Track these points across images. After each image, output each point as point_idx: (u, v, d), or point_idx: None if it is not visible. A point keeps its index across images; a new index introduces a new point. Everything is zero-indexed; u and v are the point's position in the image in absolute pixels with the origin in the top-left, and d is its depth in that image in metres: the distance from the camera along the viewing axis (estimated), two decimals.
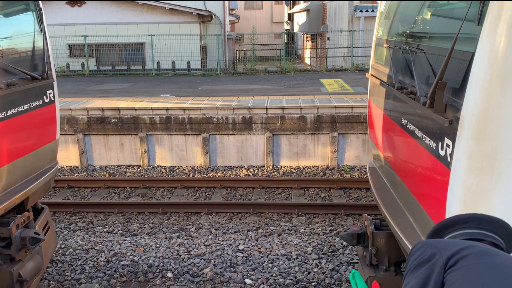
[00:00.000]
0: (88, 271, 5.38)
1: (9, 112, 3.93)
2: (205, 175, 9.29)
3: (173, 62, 17.79)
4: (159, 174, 9.44)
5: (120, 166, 9.94)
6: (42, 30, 4.53)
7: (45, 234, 4.67)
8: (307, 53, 29.20)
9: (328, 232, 6.55)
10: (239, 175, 9.27)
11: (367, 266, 4.05)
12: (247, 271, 5.31)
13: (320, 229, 6.66)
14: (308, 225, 6.89)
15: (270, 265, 5.43)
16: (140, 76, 16.84)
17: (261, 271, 5.29)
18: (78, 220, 7.30)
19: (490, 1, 2.17)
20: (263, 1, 40.66)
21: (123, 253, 5.80)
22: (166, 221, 7.16)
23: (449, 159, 2.47)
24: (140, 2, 18.38)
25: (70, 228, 6.97)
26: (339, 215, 7.20)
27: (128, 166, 9.93)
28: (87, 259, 5.68)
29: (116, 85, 14.04)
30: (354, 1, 18.57)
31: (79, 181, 8.85)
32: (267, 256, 5.66)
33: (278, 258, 5.59)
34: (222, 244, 6.03)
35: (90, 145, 9.98)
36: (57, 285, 5.11)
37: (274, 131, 9.56)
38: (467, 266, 1.17)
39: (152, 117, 9.72)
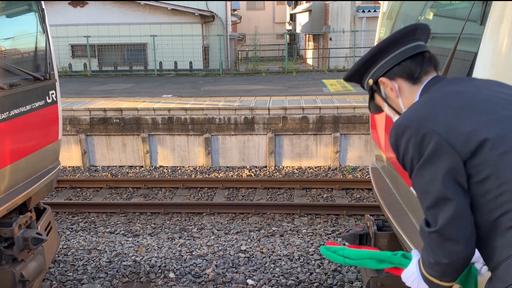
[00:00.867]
0: (90, 271, 5.38)
1: (12, 113, 3.93)
2: (207, 176, 9.29)
3: (175, 63, 17.81)
4: (161, 174, 9.45)
5: (122, 166, 9.95)
6: (45, 30, 4.54)
7: (47, 235, 4.67)
8: (309, 54, 29.20)
9: (330, 232, 6.54)
10: (241, 175, 9.26)
11: None
12: (249, 271, 5.31)
13: (322, 229, 6.65)
14: (310, 225, 6.88)
15: (272, 265, 5.43)
16: (142, 77, 16.87)
17: (263, 272, 5.29)
18: (80, 220, 7.30)
19: (493, 1, 2.16)
20: (265, 2, 40.67)
21: (125, 253, 5.81)
22: (168, 222, 7.17)
23: None
24: (142, 3, 18.40)
25: (72, 228, 6.98)
26: (341, 216, 7.19)
27: (130, 166, 9.94)
28: (89, 259, 5.68)
29: (118, 86, 14.06)
30: (357, 2, 18.55)
31: (81, 182, 8.86)
32: (269, 256, 5.65)
33: (280, 259, 5.58)
34: (224, 245, 6.03)
35: (92, 146, 10.00)
36: (59, 285, 5.11)
37: (276, 132, 9.56)
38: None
39: (154, 117, 9.72)
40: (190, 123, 9.68)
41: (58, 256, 5.77)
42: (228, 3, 21.95)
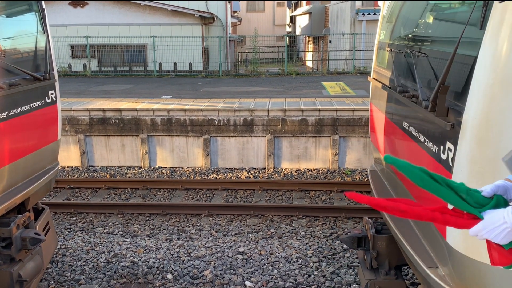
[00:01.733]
0: (88, 272, 5.38)
1: (11, 112, 3.93)
2: (205, 177, 9.29)
3: (175, 64, 17.81)
4: (160, 175, 9.44)
5: (121, 167, 9.94)
6: (45, 30, 4.54)
7: (45, 235, 4.67)
8: (309, 56, 29.22)
9: (328, 235, 6.54)
10: (240, 177, 9.26)
11: (367, 269, 4.05)
12: (247, 273, 5.30)
13: (320, 232, 6.65)
14: (309, 227, 6.88)
15: (270, 267, 5.42)
16: (142, 77, 16.86)
17: (261, 274, 5.28)
18: (79, 220, 7.29)
19: (493, 6, 2.17)
20: (266, 4, 40.70)
21: (123, 254, 5.80)
22: (166, 223, 7.16)
23: (451, 163, 2.47)
24: (142, 4, 18.40)
25: (70, 228, 6.97)
26: (340, 218, 7.19)
27: (129, 167, 9.94)
28: (87, 260, 5.67)
29: (117, 86, 14.06)
30: (356, 5, 18.58)
31: (79, 182, 8.85)
32: (268, 258, 5.65)
33: (278, 261, 5.58)
34: (222, 246, 6.02)
35: (91, 146, 9.99)
36: (57, 285, 5.10)
37: (275, 134, 9.56)
38: None
39: (153, 118, 9.72)
40: (189, 124, 9.68)
41: (56, 256, 5.76)
42: (228, 4, 21.97)
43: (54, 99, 4.69)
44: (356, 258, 5.63)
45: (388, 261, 3.91)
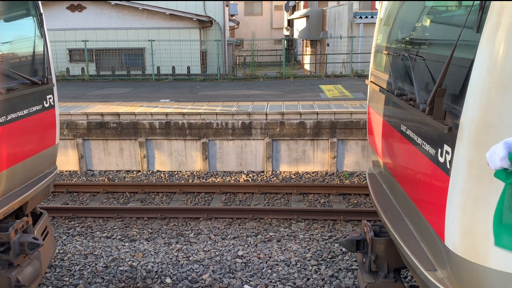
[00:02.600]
0: (86, 276, 5.36)
1: (9, 117, 3.93)
2: (204, 181, 9.28)
3: (173, 67, 17.83)
4: (158, 179, 9.43)
5: (119, 171, 9.93)
6: (43, 35, 4.54)
7: (43, 239, 4.66)
8: (306, 59, 29.28)
9: (327, 238, 6.54)
10: (239, 180, 9.26)
11: (366, 272, 4.04)
12: (246, 277, 5.30)
13: (319, 235, 6.65)
14: (308, 231, 6.87)
15: (269, 271, 5.42)
16: (140, 81, 16.87)
17: (260, 277, 5.28)
18: (77, 225, 7.28)
19: (489, 9, 2.18)
20: (263, 8, 40.79)
21: (121, 258, 5.79)
22: (165, 227, 7.15)
23: (448, 166, 2.47)
24: (140, 8, 18.43)
25: (68, 233, 6.95)
26: (339, 221, 7.19)
27: (127, 171, 9.93)
28: (85, 264, 5.66)
29: (116, 90, 14.06)
30: (354, 8, 18.64)
31: (78, 186, 8.84)
32: (266, 262, 5.64)
33: (277, 264, 5.57)
34: (221, 250, 6.01)
35: (90, 150, 9.98)
36: None
37: (273, 137, 9.56)
38: None
39: (151, 122, 9.72)
40: (187, 128, 9.68)
41: (55, 261, 5.74)
42: (226, 8, 22.01)
43: (52, 104, 4.69)
44: (355, 261, 5.63)
45: (387, 264, 3.90)
